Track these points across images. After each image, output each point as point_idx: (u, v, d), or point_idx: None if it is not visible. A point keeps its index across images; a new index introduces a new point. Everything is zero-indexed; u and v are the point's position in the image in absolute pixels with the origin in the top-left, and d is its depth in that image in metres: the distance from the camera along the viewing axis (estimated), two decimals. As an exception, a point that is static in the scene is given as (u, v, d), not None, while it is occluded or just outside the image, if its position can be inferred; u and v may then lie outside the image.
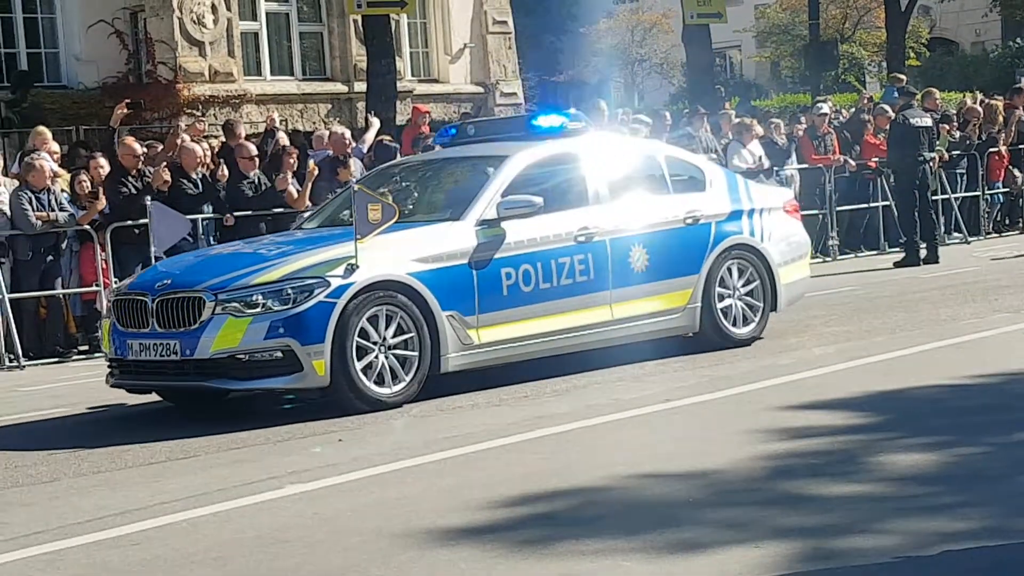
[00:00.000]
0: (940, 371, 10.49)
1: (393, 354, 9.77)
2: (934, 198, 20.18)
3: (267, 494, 7.96)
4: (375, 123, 20.27)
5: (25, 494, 8.48)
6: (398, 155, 18.30)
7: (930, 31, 42.09)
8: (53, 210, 15.46)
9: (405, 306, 9.86)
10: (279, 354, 9.39)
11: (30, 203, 15.33)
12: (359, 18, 24.88)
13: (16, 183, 15.67)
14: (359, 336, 9.61)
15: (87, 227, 15.52)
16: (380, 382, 9.74)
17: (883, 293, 16.13)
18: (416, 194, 11.58)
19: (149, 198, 15.48)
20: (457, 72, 34.24)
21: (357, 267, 9.64)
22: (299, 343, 9.36)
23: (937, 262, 18.98)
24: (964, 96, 25.93)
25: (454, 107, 29.70)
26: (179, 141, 17.39)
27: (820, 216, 21.38)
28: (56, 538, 7.18)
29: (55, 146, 17.06)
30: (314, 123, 23.69)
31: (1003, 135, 22.56)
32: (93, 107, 24.38)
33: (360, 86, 26.81)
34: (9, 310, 15.64)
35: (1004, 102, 23.90)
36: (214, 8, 29.12)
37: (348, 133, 19.06)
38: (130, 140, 17.11)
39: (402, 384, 9.86)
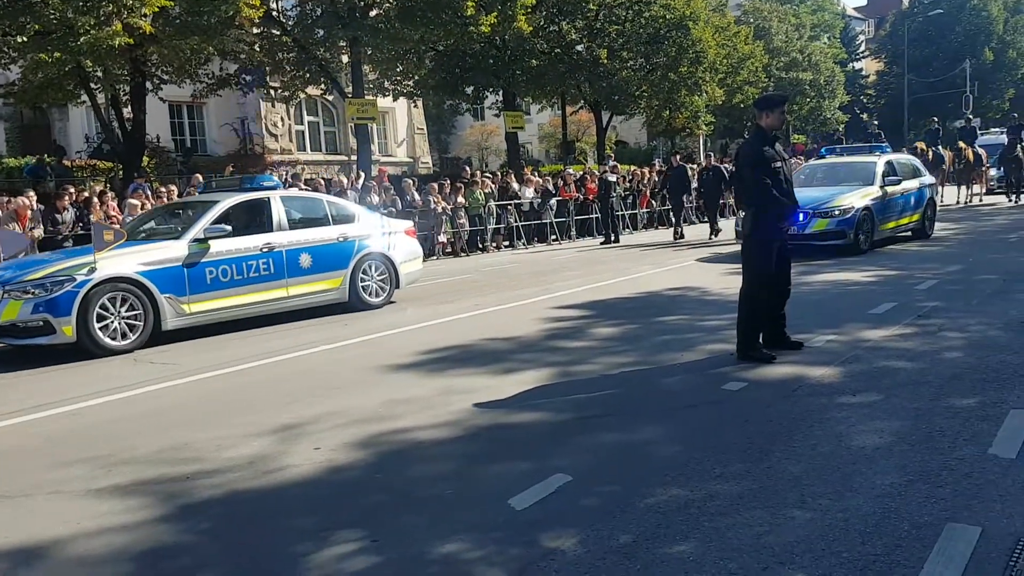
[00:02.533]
0: (619, 290, 10.52)
1: (125, 321, 8.23)
2: (617, 212, 20.26)
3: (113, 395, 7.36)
4: (363, 175, 19.87)
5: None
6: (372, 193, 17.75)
7: (616, 137, 42.15)
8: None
9: (134, 292, 8.30)
10: (41, 323, 7.94)
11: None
12: (353, 125, 24.26)
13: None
14: (101, 310, 8.09)
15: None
16: (121, 338, 8.18)
17: (594, 257, 16.13)
18: (171, 221, 9.94)
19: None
20: (400, 151, 33.89)
21: (95, 269, 8.13)
22: (52, 316, 7.92)
23: (618, 242, 18.98)
24: (631, 167, 26.13)
25: (399, 169, 29.23)
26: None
27: (567, 221, 21.29)
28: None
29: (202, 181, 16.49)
30: (331, 175, 23.18)
31: (648, 185, 22.97)
32: (222, 165, 23.58)
33: (354, 157, 26.23)
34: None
35: (649, 170, 24.25)
36: (282, 119, 28.41)
37: (347, 180, 18.59)
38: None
39: (132, 339, 8.26)
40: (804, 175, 14.94)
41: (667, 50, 28.38)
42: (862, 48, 63.70)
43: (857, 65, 61.36)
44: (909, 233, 14.52)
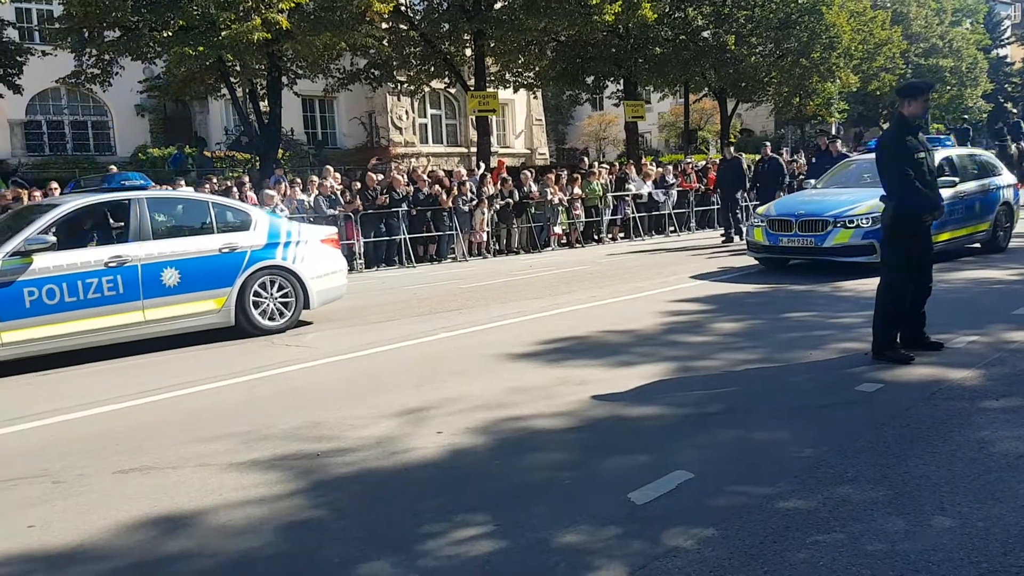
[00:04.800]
0: (741, 283, 10.24)
1: None
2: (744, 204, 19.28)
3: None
4: (482, 166, 20.10)
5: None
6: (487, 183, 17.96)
7: (741, 124, 41.07)
8: (332, 206, 15.39)
9: None
10: None
11: (324, 201, 15.29)
12: (474, 117, 24.59)
13: (317, 192, 15.63)
14: None
15: (350, 213, 15.47)
16: None
17: (713, 249, 14.53)
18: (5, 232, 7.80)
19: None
20: (518, 143, 34.24)
21: None
22: None
23: (740, 234, 17.74)
24: (756, 157, 25.30)
25: (516, 160, 29.44)
26: (392, 174, 17.30)
27: (687, 212, 20.82)
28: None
29: (336, 175, 17.07)
30: (452, 167, 23.54)
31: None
32: (351, 157, 24.41)
33: (473, 149, 26.59)
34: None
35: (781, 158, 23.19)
36: (407, 112, 29.23)
37: (465, 172, 18.79)
38: (371, 175, 17.08)
39: None
40: (842, 174, 12.80)
41: (799, 35, 27.43)
42: (1007, 34, 59.73)
43: (1002, 52, 57.65)
44: (978, 245, 12.04)
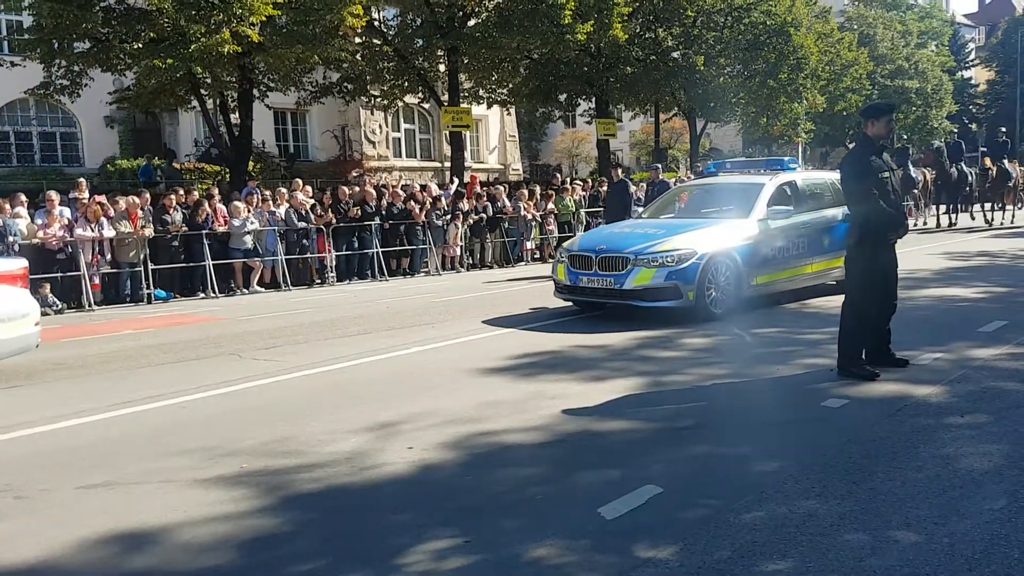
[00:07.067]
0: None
1: None
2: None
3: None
4: (456, 181, 20.14)
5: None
6: (463, 198, 18.00)
7: (710, 144, 41.51)
8: (304, 220, 15.31)
9: None
10: None
11: (295, 214, 15.20)
12: (448, 132, 24.64)
13: (288, 205, 15.52)
14: None
15: (322, 226, 15.39)
16: None
17: None
18: None
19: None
20: (492, 158, 34.23)
21: None
22: None
23: None
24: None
25: (489, 176, 29.53)
26: (365, 188, 17.26)
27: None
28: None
29: (306, 188, 16.98)
30: (425, 182, 23.55)
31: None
32: (323, 171, 24.32)
33: (447, 164, 26.63)
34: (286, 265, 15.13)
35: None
36: (380, 126, 29.16)
37: (436, 187, 18.81)
38: (344, 188, 17.04)
39: None
40: (682, 202, 10.99)
41: (767, 56, 27.92)
42: (972, 56, 61.23)
43: (966, 74, 59.00)
44: (834, 283, 10.01)
